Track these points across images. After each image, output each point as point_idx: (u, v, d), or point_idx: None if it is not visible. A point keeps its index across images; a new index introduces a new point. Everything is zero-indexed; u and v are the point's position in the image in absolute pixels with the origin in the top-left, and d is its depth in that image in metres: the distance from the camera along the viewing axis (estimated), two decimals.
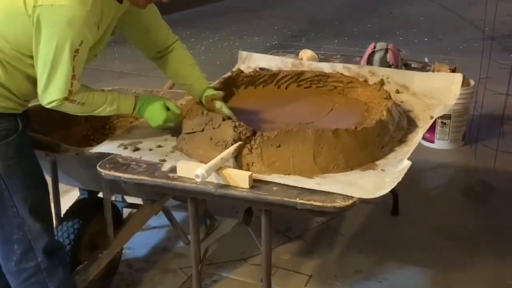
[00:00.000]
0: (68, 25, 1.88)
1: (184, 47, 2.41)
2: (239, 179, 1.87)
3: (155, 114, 2.17)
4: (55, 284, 2.19)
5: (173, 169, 1.99)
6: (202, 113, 2.16)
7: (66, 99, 1.99)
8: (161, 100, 2.19)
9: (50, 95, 1.98)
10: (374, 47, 3.10)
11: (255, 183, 1.89)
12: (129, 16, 2.20)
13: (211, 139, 2.05)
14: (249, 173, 1.88)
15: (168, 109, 2.19)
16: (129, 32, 2.30)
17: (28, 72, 2.03)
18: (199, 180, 1.83)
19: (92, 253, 2.50)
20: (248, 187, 1.86)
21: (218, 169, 1.89)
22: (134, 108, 2.17)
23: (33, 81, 2.02)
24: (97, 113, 2.14)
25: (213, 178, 1.89)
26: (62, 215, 2.55)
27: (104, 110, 2.12)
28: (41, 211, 2.16)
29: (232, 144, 1.98)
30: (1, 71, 1.99)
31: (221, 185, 1.90)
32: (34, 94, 2.06)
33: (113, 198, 2.89)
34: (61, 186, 2.66)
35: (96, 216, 2.54)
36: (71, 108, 2.06)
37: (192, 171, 1.86)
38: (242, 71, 2.72)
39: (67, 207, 2.59)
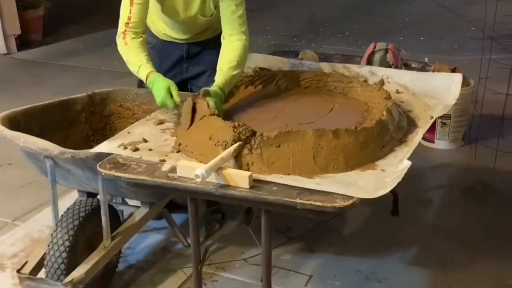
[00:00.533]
0: None
1: (238, 45, 2.58)
2: (239, 179, 1.88)
3: (156, 92, 2.42)
4: None
5: (173, 169, 1.99)
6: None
7: (122, 34, 2.58)
8: (167, 84, 2.42)
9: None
10: (374, 47, 3.11)
11: (255, 183, 1.89)
12: None
13: (210, 139, 2.05)
14: (249, 173, 1.88)
15: (170, 94, 2.40)
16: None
17: None
18: (199, 180, 1.83)
19: (90, 255, 2.50)
20: (248, 187, 1.86)
21: (218, 169, 1.89)
22: (146, 79, 2.49)
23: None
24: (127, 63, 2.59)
25: (213, 178, 1.90)
26: (60, 216, 2.54)
27: (130, 65, 2.58)
28: None
29: (232, 144, 1.98)
30: None
31: (221, 185, 1.90)
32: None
33: (113, 200, 2.89)
34: (60, 187, 2.66)
35: (94, 217, 2.53)
36: (120, 47, 2.62)
37: (192, 171, 1.86)
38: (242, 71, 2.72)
39: (65, 209, 2.59)
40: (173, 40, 2.99)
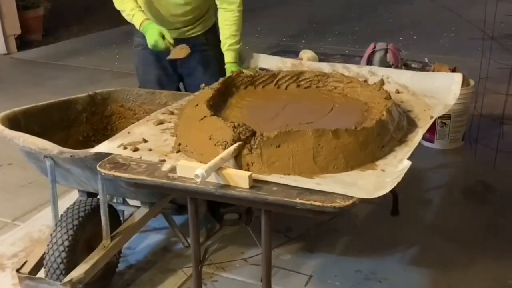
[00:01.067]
0: None
1: (235, 15, 2.96)
2: (239, 179, 1.88)
3: (149, 36, 2.77)
4: None
5: (173, 169, 1.99)
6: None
7: None
8: (159, 29, 2.78)
9: None
10: (374, 47, 3.11)
11: (255, 183, 1.89)
12: None
13: (210, 139, 2.05)
14: (249, 173, 1.88)
15: (163, 37, 2.77)
16: None
17: None
18: (198, 180, 1.83)
19: (89, 255, 2.49)
20: (248, 187, 1.86)
21: (218, 169, 1.89)
22: (140, 25, 2.82)
23: None
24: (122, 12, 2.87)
25: (213, 178, 1.89)
26: (59, 216, 2.54)
27: (125, 14, 2.87)
28: None
29: (232, 144, 1.98)
30: None
31: (221, 185, 1.90)
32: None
33: (113, 200, 2.89)
34: (60, 187, 2.66)
35: (93, 217, 2.53)
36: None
37: (192, 171, 1.86)
38: (242, 71, 2.72)
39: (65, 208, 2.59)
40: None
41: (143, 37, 2.91)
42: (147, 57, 3.11)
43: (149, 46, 2.82)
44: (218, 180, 1.90)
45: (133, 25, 2.94)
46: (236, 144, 1.97)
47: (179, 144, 2.17)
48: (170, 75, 3.18)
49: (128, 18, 2.89)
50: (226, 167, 1.92)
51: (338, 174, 1.96)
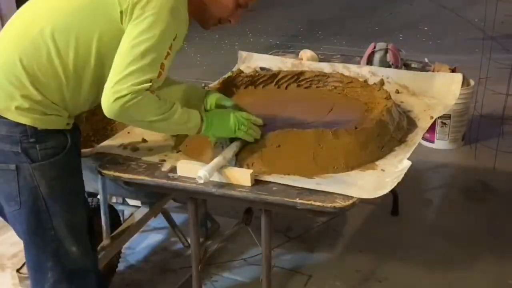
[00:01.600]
0: (170, 14, 1.75)
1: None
2: (241, 177, 1.87)
3: (225, 123, 1.96)
4: None
5: (173, 169, 1.99)
6: None
7: (148, 86, 1.72)
8: (232, 119, 1.97)
9: (127, 82, 1.70)
10: (374, 47, 3.10)
11: (255, 183, 1.89)
12: None
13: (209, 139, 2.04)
14: (250, 171, 1.88)
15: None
16: None
17: (94, 75, 1.83)
18: (202, 181, 1.83)
19: None
20: (250, 184, 1.86)
21: (220, 168, 1.89)
22: (202, 120, 1.92)
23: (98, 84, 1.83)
24: (163, 122, 1.82)
25: (215, 177, 1.89)
26: None
27: (174, 113, 1.82)
28: (80, 233, 1.97)
29: (232, 143, 1.98)
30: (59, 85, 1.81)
31: (221, 185, 1.90)
32: (89, 103, 1.92)
33: (113, 200, 2.89)
34: None
35: (93, 217, 2.53)
36: (145, 104, 1.74)
37: (193, 170, 1.86)
38: (242, 71, 2.72)
39: None
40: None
41: (62, 135, 1.87)
42: (74, 160, 1.98)
43: (224, 136, 1.99)
44: (220, 179, 1.89)
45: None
46: (236, 143, 1.97)
47: (179, 144, 2.17)
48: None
49: (181, 119, 1.86)
50: (226, 166, 1.92)
51: (338, 174, 1.96)
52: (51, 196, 1.88)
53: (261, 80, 2.66)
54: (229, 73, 2.73)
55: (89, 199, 2.62)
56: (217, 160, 1.88)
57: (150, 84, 1.73)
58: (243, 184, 1.87)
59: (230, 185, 1.89)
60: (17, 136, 1.80)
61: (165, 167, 2.03)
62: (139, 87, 1.71)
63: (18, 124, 1.79)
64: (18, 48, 1.80)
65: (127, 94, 1.70)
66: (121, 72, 1.71)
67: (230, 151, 1.94)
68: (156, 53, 1.74)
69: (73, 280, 1.98)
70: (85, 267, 2.01)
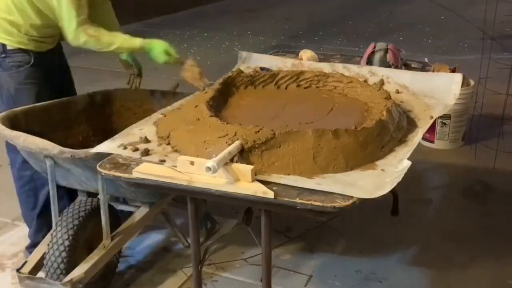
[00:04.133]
0: None
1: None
2: (242, 172, 1.87)
3: (157, 56, 2.71)
4: (44, 193, 2.72)
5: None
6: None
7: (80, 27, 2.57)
8: (164, 46, 2.72)
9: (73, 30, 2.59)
10: (374, 47, 3.10)
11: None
12: None
13: (204, 141, 2.04)
14: (251, 167, 1.88)
15: (169, 53, 2.72)
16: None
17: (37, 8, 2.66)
18: (210, 172, 1.82)
19: (89, 255, 2.50)
20: (250, 180, 1.86)
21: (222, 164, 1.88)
22: (142, 46, 2.70)
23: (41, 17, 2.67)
24: (108, 45, 2.66)
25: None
26: (60, 216, 2.54)
27: (115, 42, 2.66)
28: None
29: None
30: (13, 9, 2.64)
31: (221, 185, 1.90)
32: (45, 32, 2.74)
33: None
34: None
35: (93, 217, 2.53)
36: (90, 41, 2.62)
37: (201, 164, 1.85)
38: (242, 71, 2.72)
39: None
40: (47, 48, 2.84)
41: (26, 53, 2.71)
42: (37, 75, 2.78)
43: (160, 61, 2.73)
44: (222, 173, 1.89)
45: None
46: (239, 141, 1.97)
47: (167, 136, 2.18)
48: (58, 92, 2.92)
49: (123, 46, 2.70)
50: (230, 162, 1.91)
51: (338, 174, 1.96)
52: (18, 97, 2.73)
53: (261, 80, 2.66)
54: (229, 73, 2.73)
55: (89, 199, 2.63)
56: (224, 153, 1.88)
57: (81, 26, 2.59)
58: (244, 181, 1.87)
59: (233, 180, 1.88)
60: None
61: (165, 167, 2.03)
62: (74, 32, 2.60)
63: None
64: None
65: (80, 39, 2.61)
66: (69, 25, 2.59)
67: (235, 146, 1.94)
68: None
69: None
70: None
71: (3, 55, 2.71)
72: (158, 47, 2.72)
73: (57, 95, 2.86)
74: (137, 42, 2.71)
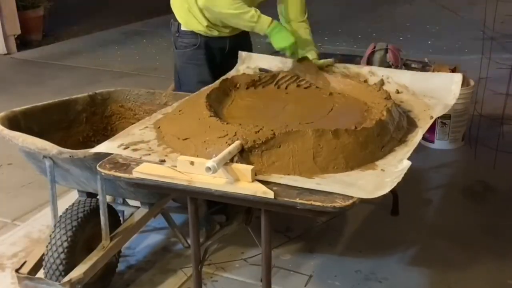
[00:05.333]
0: None
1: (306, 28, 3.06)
2: (242, 172, 1.87)
3: (284, 38, 2.80)
4: None
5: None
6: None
7: None
8: (293, 39, 2.81)
9: None
10: (374, 47, 3.10)
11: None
12: None
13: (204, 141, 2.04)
14: (251, 167, 1.88)
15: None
16: None
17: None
18: (210, 172, 1.82)
19: (89, 255, 2.49)
20: (250, 180, 1.86)
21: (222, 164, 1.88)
22: (269, 26, 2.84)
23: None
24: (239, 18, 2.86)
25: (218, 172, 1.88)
26: (59, 216, 2.54)
27: (248, 13, 2.85)
28: None
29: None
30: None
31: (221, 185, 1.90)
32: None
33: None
34: (60, 187, 2.66)
35: (93, 218, 2.53)
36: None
37: (200, 164, 1.85)
38: (242, 71, 2.72)
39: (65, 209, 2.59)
40: (217, 35, 3.07)
41: (195, 36, 3.02)
42: (200, 57, 3.10)
43: (276, 47, 2.82)
44: (222, 173, 1.89)
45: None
46: (239, 142, 1.97)
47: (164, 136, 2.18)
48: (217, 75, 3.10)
49: (251, 20, 2.86)
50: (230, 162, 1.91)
51: (338, 174, 1.96)
52: (183, 73, 3.13)
53: (261, 80, 2.66)
54: (229, 73, 2.73)
55: (88, 200, 2.63)
56: (224, 153, 1.88)
57: None
58: (244, 181, 1.87)
59: (233, 180, 1.88)
60: (174, 30, 3.11)
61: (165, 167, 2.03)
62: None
63: (175, 22, 3.08)
64: None
65: None
66: None
67: (235, 146, 1.94)
68: None
69: None
70: None
71: (177, 35, 3.08)
72: (286, 32, 2.84)
73: (218, 78, 2.93)
74: (265, 21, 2.87)
